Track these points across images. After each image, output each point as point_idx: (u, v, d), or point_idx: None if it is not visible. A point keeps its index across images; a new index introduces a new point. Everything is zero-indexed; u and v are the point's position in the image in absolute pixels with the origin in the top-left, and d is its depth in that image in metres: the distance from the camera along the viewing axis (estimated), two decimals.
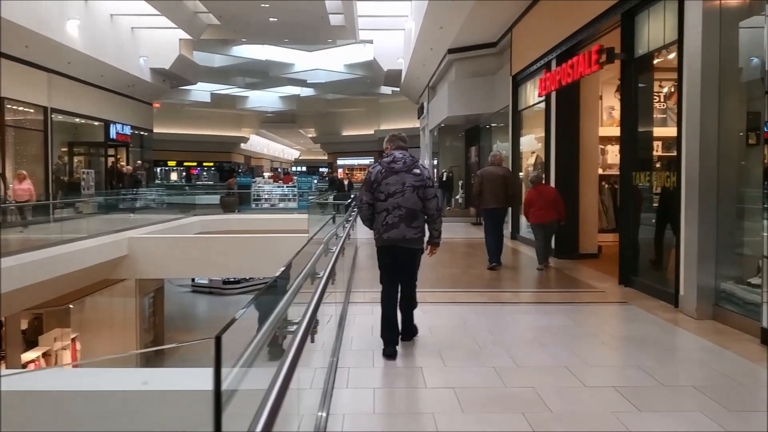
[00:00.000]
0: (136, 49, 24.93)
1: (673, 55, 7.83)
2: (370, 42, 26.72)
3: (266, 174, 45.92)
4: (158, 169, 50.45)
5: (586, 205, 11.24)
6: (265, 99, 47.48)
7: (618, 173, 13.59)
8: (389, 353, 5.19)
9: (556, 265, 10.52)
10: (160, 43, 25.68)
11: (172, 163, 53.66)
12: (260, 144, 64.20)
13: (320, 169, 66.33)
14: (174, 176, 53.10)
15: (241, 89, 44.40)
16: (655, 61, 8.03)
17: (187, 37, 25.52)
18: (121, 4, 22.30)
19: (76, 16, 19.68)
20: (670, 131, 7.55)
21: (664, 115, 8.52)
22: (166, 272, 18.17)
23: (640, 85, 8.17)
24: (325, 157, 62.87)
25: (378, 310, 5.50)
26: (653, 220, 8.09)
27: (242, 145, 57.25)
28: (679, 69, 6.77)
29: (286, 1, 21.49)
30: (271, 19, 24.13)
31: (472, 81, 17.61)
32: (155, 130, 41.29)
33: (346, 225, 7.87)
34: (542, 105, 12.16)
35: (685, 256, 6.58)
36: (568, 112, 11.15)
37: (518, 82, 14.05)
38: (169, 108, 43.79)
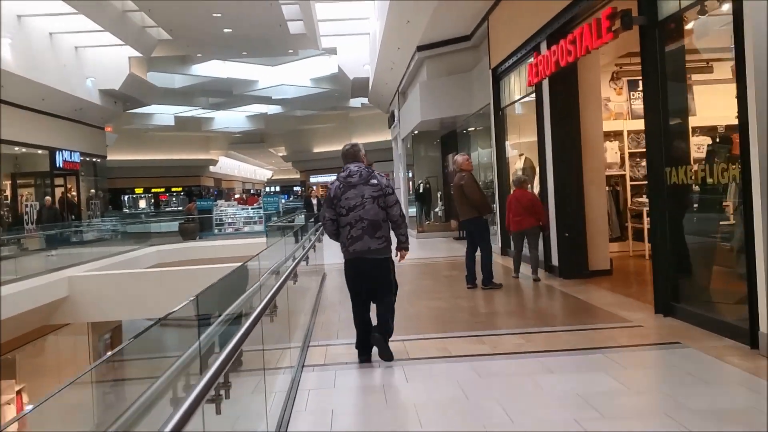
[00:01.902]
0: (81, 69, 22.80)
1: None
2: (334, 50, 24.92)
3: (237, 195, 44.12)
4: (125, 197, 48.56)
5: (594, 212, 9.36)
6: (232, 119, 45.81)
7: (620, 173, 12.12)
8: (365, 358, 5.41)
9: (562, 286, 8.67)
10: (108, 62, 23.59)
11: (139, 191, 51.61)
12: (230, 166, 62.33)
13: (294, 188, 64.70)
14: (143, 203, 50.95)
15: (206, 110, 42.63)
16: (691, 23, 6.21)
17: (138, 54, 23.48)
18: (61, 21, 20.24)
19: (7, 34, 17.59)
20: (723, 115, 5.73)
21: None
22: (114, 314, 16.03)
23: (668, 56, 6.33)
24: (299, 176, 60.93)
25: (346, 377, 4.95)
26: (701, 228, 6.25)
27: (211, 168, 55.53)
28: (736, 25, 4.98)
29: (240, 9, 19.64)
30: (225, 30, 22.23)
31: (445, 80, 15.72)
32: (118, 158, 39.74)
33: (296, 256, 5.93)
34: (532, 98, 10.35)
35: None
36: (565, 102, 9.29)
37: (499, 75, 12.23)
38: (132, 133, 42.16)
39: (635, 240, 11.58)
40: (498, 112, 12.44)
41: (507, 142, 12.47)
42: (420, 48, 15.59)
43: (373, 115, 36.65)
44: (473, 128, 16.35)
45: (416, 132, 19.46)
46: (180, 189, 52.54)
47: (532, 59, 9.55)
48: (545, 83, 9.46)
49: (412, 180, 21.35)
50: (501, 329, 6.39)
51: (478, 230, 8.89)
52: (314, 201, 20.96)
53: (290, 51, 26.99)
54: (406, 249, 5.70)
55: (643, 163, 12.26)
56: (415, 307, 7.74)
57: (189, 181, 52.71)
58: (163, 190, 52.91)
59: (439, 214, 20.04)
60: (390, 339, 5.47)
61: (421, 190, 20.06)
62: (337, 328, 6.75)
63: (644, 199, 11.53)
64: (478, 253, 8.97)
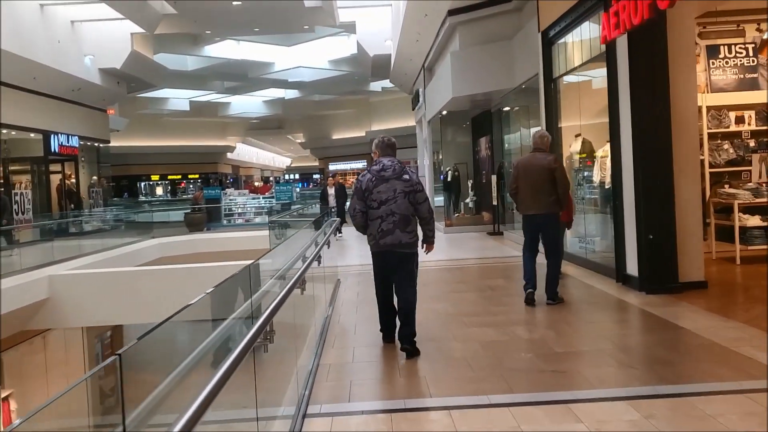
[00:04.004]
0: (78, 45, 20.87)
1: None
2: (353, 25, 22.76)
3: (257, 183, 42.56)
4: (141, 184, 47.34)
5: (686, 208, 7.22)
6: (249, 104, 44.22)
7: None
8: (389, 340, 5.64)
9: (647, 305, 6.57)
10: (108, 38, 21.61)
11: (155, 177, 50.39)
12: (248, 153, 60.86)
13: (314, 176, 63.16)
14: (159, 191, 49.66)
15: (222, 95, 41.00)
16: None
17: (140, 30, 21.52)
18: None
19: None
20: None
21: None
22: (102, 318, 14.20)
23: None
24: (317, 164, 59.21)
25: None
26: None
27: (229, 155, 54.29)
28: None
29: None
30: (234, 3, 20.30)
31: (481, 49, 13.44)
32: (133, 143, 38.30)
33: (289, 274, 3.93)
34: (598, 66, 8.24)
35: None
36: (650, 68, 7.15)
37: (551, 39, 10.06)
38: (148, 119, 41.02)
39: (719, 240, 9.43)
40: (549, 83, 10.29)
41: (560, 119, 10.34)
42: (451, 12, 13.42)
43: (394, 99, 34.92)
44: (511, 107, 14.19)
45: (444, 113, 17.30)
46: (197, 176, 51.34)
47: (602, 11, 7.44)
48: (622, 43, 7.32)
49: (441, 167, 19.20)
50: (596, 388, 4.24)
51: (553, 230, 6.92)
52: (331, 191, 18.54)
53: (305, 27, 24.98)
54: (432, 242, 5.77)
55: (726, 146, 10.12)
56: (459, 341, 5.66)
57: (206, 168, 51.73)
58: (179, 177, 51.76)
59: (470, 205, 17.88)
60: (431, 404, 4.17)
61: (449, 179, 17.89)
62: (350, 378, 4.74)
63: (732, 189, 9.40)
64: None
